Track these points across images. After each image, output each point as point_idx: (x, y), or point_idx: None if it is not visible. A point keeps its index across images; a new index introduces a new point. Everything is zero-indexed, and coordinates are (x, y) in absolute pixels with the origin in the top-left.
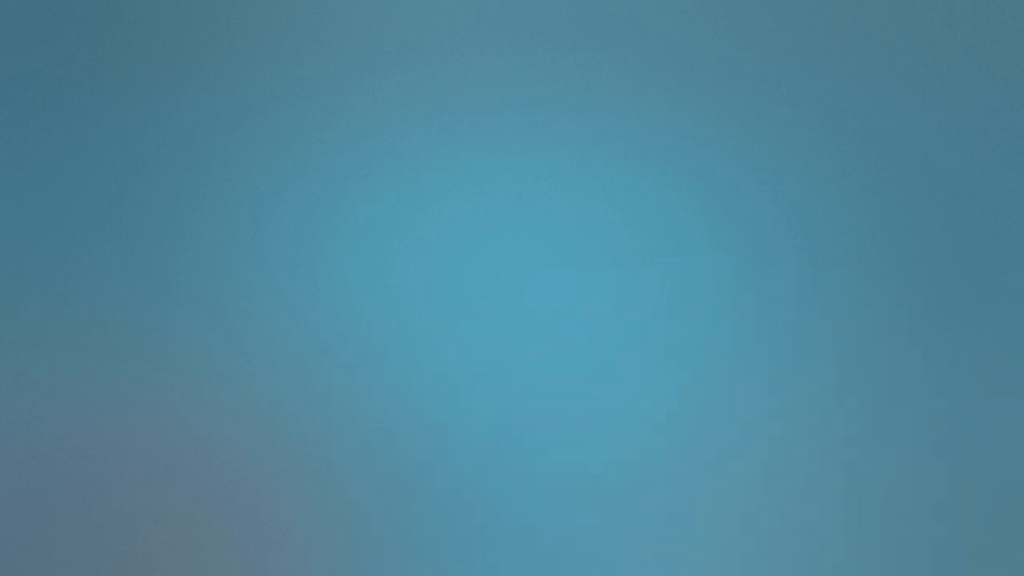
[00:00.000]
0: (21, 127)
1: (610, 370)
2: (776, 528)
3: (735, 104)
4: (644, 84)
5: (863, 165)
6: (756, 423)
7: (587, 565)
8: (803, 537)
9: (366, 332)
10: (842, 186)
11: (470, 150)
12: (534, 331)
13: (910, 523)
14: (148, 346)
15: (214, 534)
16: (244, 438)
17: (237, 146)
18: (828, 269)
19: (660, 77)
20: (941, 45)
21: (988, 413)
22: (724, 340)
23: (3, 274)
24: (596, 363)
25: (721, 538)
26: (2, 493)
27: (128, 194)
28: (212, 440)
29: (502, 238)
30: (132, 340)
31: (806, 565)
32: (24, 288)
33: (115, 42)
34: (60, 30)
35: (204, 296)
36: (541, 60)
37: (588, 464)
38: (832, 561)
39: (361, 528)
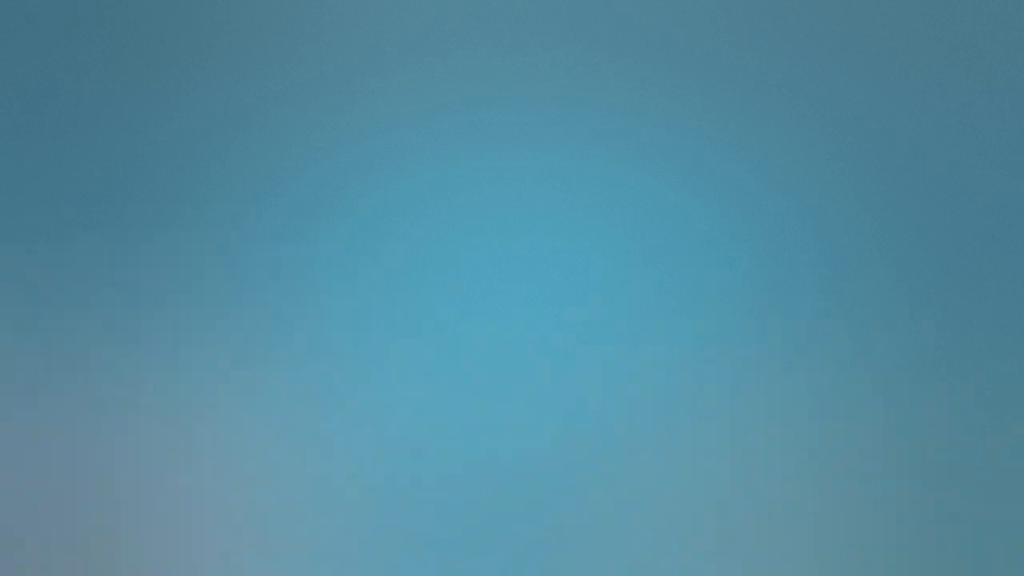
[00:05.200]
0: (21, 127)
1: (610, 370)
2: (779, 529)
3: (736, 104)
4: (644, 84)
5: (866, 164)
6: (759, 424)
7: (587, 565)
8: (805, 538)
9: (366, 332)
10: (844, 186)
11: (470, 150)
12: (534, 331)
13: (912, 524)
14: (148, 346)
15: (214, 534)
16: (244, 438)
17: (237, 146)
18: (830, 269)
19: (660, 77)
20: (943, 45)
21: (993, 414)
22: (726, 340)
23: (3, 274)
24: (596, 363)
25: (722, 539)
26: (2, 493)
27: (128, 194)
28: (212, 440)
29: (502, 238)
30: (132, 340)
31: (809, 566)
32: (24, 288)
33: (115, 42)
34: (60, 30)
35: (204, 296)
36: (541, 60)
37: (589, 465)
38: (837, 561)
39: (361, 528)
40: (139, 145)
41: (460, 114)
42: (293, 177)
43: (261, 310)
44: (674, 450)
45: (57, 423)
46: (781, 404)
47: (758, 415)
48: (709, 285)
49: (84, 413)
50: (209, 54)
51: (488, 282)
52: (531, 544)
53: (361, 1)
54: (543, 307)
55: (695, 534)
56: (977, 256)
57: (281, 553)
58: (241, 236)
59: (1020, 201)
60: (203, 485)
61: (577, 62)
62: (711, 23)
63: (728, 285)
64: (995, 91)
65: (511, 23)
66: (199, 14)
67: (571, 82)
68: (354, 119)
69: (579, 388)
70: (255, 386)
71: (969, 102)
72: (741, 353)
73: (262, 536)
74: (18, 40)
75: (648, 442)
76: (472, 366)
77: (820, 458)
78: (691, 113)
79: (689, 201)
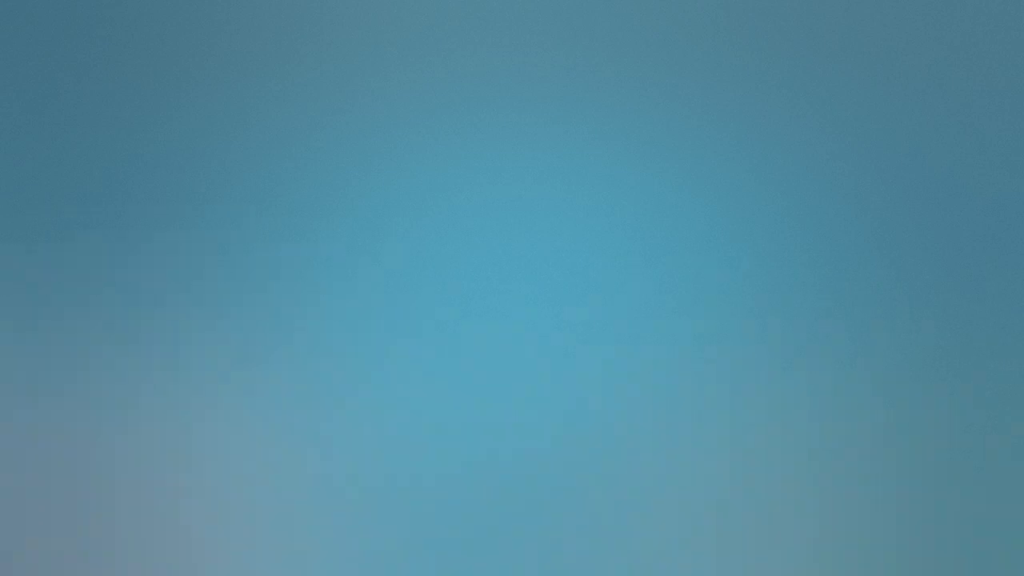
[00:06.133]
0: (21, 127)
1: (610, 370)
2: (779, 529)
3: (736, 104)
4: (644, 84)
5: (866, 164)
6: (759, 424)
7: (587, 565)
8: (805, 538)
9: (366, 332)
10: (844, 186)
11: (470, 150)
12: (534, 331)
13: (912, 524)
14: (148, 346)
15: (214, 534)
16: (244, 438)
17: (237, 146)
18: (830, 269)
19: (660, 77)
20: (944, 45)
21: (993, 414)
22: (726, 340)
23: (3, 274)
24: (596, 363)
25: (722, 539)
26: (2, 493)
27: (128, 194)
28: (212, 440)
29: (502, 238)
30: (132, 340)
31: (809, 566)
32: (24, 288)
33: (115, 42)
34: (60, 30)
35: (204, 296)
36: (541, 60)
37: (589, 465)
38: (837, 561)
39: (361, 528)
40: (139, 145)
41: (460, 114)
42: (293, 177)
43: (261, 310)
44: (674, 450)
45: (57, 423)
46: (781, 404)
47: (758, 415)
48: (709, 285)
49: (84, 413)
50: (209, 54)
51: (488, 282)
52: (531, 544)
53: (361, 1)
54: (543, 307)
55: (695, 534)
56: (977, 256)
57: (281, 553)
58: (241, 236)
59: (1020, 201)
60: (203, 485)
61: (577, 62)
62: (711, 23)
63: (728, 285)
64: (995, 91)
65: (511, 23)
66: (199, 14)
67: (571, 82)
68: (354, 119)
69: (579, 388)
70: (255, 386)
71: (969, 102)
72: (741, 353)
73: (262, 536)
74: (18, 40)
75: (648, 442)
76: (472, 366)
77: (820, 458)
78: (691, 113)
79: (689, 201)
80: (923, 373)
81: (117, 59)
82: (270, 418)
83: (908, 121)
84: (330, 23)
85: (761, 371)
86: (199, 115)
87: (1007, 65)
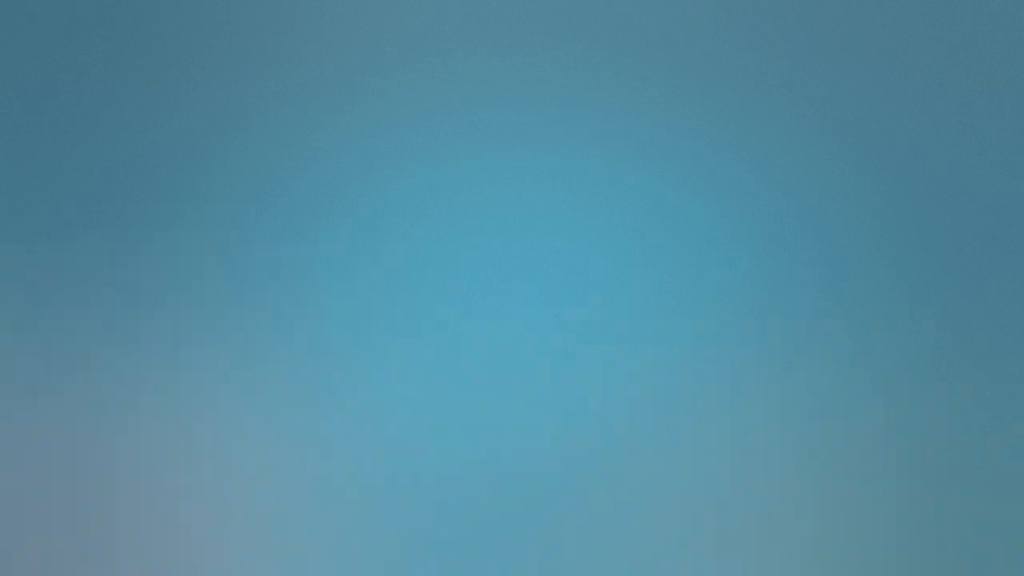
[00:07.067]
0: (21, 127)
1: (610, 370)
2: (779, 529)
3: (736, 104)
4: (644, 84)
5: (866, 164)
6: (759, 424)
7: (587, 565)
8: (805, 538)
9: (366, 332)
10: (844, 186)
11: (470, 150)
12: (534, 331)
13: (912, 524)
14: (148, 346)
15: (214, 534)
16: (244, 438)
17: (237, 146)
18: (830, 269)
19: (660, 77)
20: (944, 45)
21: (993, 414)
22: (726, 340)
23: (3, 274)
24: (596, 363)
25: (722, 539)
26: (2, 493)
27: (128, 194)
28: (212, 440)
29: (502, 238)
30: (132, 340)
31: (809, 565)
32: (24, 288)
33: (115, 42)
34: (60, 30)
35: (204, 296)
36: (541, 60)
37: (589, 465)
38: (837, 561)
39: (361, 528)
40: (139, 145)
41: (460, 114)
42: (293, 177)
43: (261, 310)
44: (674, 450)
45: (57, 423)
46: (781, 404)
47: (758, 415)
48: (709, 285)
49: (84, 413)
50: (209, 54)
51: (488, 282)
52: (531, 544)
53: (361, 1)
54: (543, 307)
55: (695, 534)
56: (977, 256)
57: (281, 553)
58: (241, 236)
59: (1020, 201)
60: (203, 485)
61: (577, 62)
62: (711, 23)
63: (728, 285)
64: (995, 91)
65: (511, 23)
66: (199, 14)
67: (571, 82)
68: (354, 119)
69: (579, 388)
70: (255, 386)
71: (969, 102)
72: (741, 353)
73: (262, 536)
74: (18, 40)
75: (648, 442)
76: (472, 366)
77: (820, 458)
78: (691, 113)
79: (689, 201)
80: (923, 373)
81: (117, 59)
82: (270, 418)
83: (908, 121)
84: (330, 23)
85: (761, 371)
86: (199, 115)
87: (1007, 65)
